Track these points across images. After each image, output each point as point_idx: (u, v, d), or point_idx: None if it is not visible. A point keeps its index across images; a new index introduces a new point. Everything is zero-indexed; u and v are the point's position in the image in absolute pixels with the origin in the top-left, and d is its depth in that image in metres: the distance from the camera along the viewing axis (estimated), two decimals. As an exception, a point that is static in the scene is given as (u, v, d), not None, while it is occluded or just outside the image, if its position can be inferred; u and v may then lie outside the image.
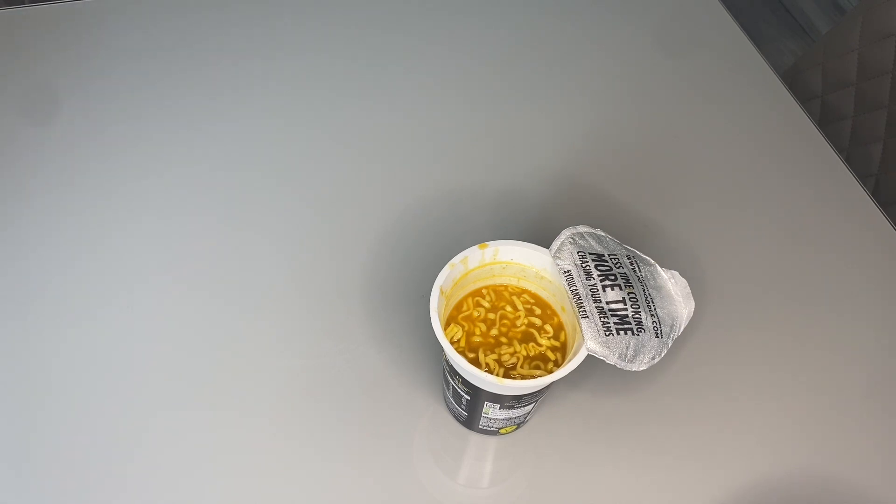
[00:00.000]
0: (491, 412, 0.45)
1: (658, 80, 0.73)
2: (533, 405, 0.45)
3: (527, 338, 0.45)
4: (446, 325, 0.45)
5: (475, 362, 0.43)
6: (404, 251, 0.58)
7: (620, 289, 0.43)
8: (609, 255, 0.45)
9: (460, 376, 0.42)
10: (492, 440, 0.49)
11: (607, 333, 0.41)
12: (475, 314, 0.46)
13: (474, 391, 0.43)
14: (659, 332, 0.42)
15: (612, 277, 0.43)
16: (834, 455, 0.50)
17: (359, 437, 0.48)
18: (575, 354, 0.41)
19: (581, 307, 0.42)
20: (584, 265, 0.44)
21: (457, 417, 0.49)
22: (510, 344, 0.44)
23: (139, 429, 0.48)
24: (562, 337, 0.45)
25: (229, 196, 0.60)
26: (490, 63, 0.73)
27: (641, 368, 0.41)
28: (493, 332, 0.45)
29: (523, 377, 0.43)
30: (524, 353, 0.44)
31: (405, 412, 0.50)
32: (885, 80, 0.81)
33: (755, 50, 0.77)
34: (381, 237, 0.58)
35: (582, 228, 0.46)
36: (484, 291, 0.46)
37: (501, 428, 0.47)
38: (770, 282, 0.59)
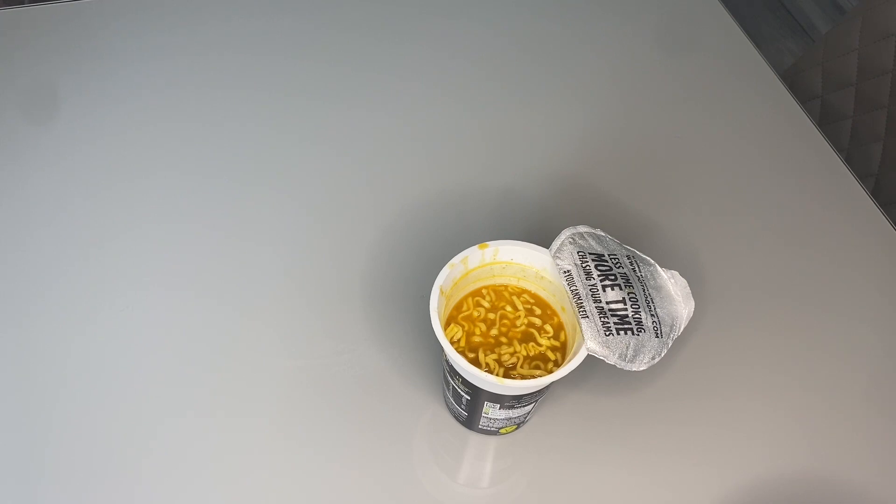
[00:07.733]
0: (491, 412, 0.45)
1: (658, 80, 0.73)
2: (533, 405, 0.45)
3: (527, 338, 0.45)
4: (446, 325, 0.45)
5: (475, 362, 0.43)
6: (404, 251, 0.58)
7: (620, 289, 0.43)
8: (609, 255, 0.45)
9: (460, 376, 0.42)
10: (492, 440, 0.49)
11: (607, 333, 0.41)
12: (475, 314, 0.46)
13: (474, 391, 0.43)
14: (659, 332, 0.42)
15: (612, 277, 0.43)
16: (834, 455, 0.50)
17: (359, 437, 0.48)
18: (575, 354, 0.41)
19: (581, 307, 0.42)
20: (584, 265, 0.44)
21: (457, 417, 0.49)
22: (510, 344, 0.44)
23: (138, 430, 0.48)
24: (562, 337, 0.45)
25: (229, 196, 0.60)
26: (490, 63, 0.73)
27: (641, 368, 0.41)
28: (493, 332, 0.45)
29: (523, 377, 0.43)
30: (524, 353, 0.44)
31: (405, 412, 0.50)
32: (885, 80, 0.81)
33: (755, 50, 0.77)
34: (381, 237, 0.58)
35: (582, 228, 0.46)
36: (484, 291, 0.46)
37: (501, 428, 0.47)
38: (770, 282, 0.59)
